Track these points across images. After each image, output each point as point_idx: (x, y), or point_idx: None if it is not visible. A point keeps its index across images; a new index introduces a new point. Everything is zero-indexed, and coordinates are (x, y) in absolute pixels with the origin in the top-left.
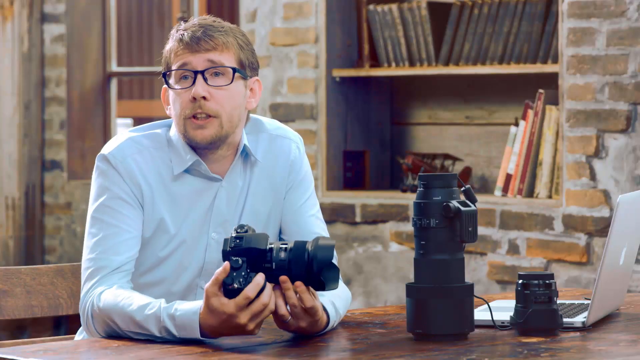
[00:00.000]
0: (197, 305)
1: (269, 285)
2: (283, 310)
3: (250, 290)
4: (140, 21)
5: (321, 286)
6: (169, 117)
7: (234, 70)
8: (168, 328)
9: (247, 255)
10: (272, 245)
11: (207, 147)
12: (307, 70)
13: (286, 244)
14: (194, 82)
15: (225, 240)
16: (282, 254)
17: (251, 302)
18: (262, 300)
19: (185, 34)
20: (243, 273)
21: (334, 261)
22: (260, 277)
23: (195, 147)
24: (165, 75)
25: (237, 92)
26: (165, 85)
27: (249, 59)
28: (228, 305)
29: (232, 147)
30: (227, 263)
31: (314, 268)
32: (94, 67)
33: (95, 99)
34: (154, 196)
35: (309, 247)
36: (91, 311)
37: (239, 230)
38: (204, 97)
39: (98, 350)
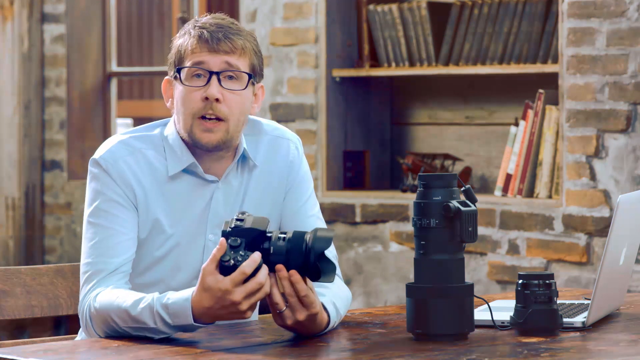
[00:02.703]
0: (188, 291)
1: (265, 266)
2: (277, 297)
3: (247, 265)
4: (140, 21)
5: (317, 276)
6: (169, 113)
7: (250, 76)
8: (162, 317)
9: (246, 236)
10: (271, 234)
11: (211, 150)
12: (307, 70)
13: (285, 234)
14: (207, 82)
15: (226, 222)
16: (281, 242)
17: (247, 280)
18: (257, 279)
19: (205, 32)
20: (241, 252)
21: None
22: (257, 255)
23: (197, 147)
24: (180, 69)
25: (246, 98)
26: (167, 77)
27: (259, 65)
28: (223, 281)
29: (232, 149)
30: (223, 239)
31: (310, 258)
32: (94, 67)
33: (95, 99)
34: (148, 197)
35: (307, 237)
36: (89, 313)
37: (239, 215)
38: (217, 99)
39: (98, 350)
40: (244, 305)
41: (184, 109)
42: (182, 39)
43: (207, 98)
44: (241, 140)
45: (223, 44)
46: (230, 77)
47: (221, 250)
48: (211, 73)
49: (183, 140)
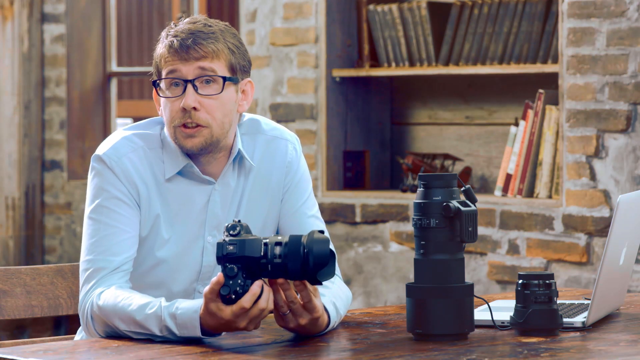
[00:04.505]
0: (197, 303)
1: (266, 290)
2: (281, 302)
3: (246, 301)
4: (140, 21)
5: (316, 280)
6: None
7: (224, 79)
8: (169, 327)
9: (241, 263)
10: (267, 241)
11: (198, 154)
12: (307, 70)
13: (280, 239)
14: (184, 91)
15: (219, 245)
16: (278, 249)
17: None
18: (259, 306)
19: (175, 40)
20: (239, 281)
21: (331, 246)
22: (256, 287)
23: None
24: (156, 82)
25: (228, 99)
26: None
27: (240, 62)
28: (225, 311)
29: (225, 149)
30: (220, 274)
31: (309, 262)
32: (94, 67)
33: (95, 99)
34: (150, 194)
35: (304, 240)
36: (91, 312)
37: (231, 232)
38: (194, 108)
39: (98, 350)
40: (250, 327)
41: (165, 117)
42: (158, 48)
43: (184, 108)
44: (236, 140)
45: (193, 51)
46: (208, 82)
47: (219, 284)
48: (186, 82)
49: None
